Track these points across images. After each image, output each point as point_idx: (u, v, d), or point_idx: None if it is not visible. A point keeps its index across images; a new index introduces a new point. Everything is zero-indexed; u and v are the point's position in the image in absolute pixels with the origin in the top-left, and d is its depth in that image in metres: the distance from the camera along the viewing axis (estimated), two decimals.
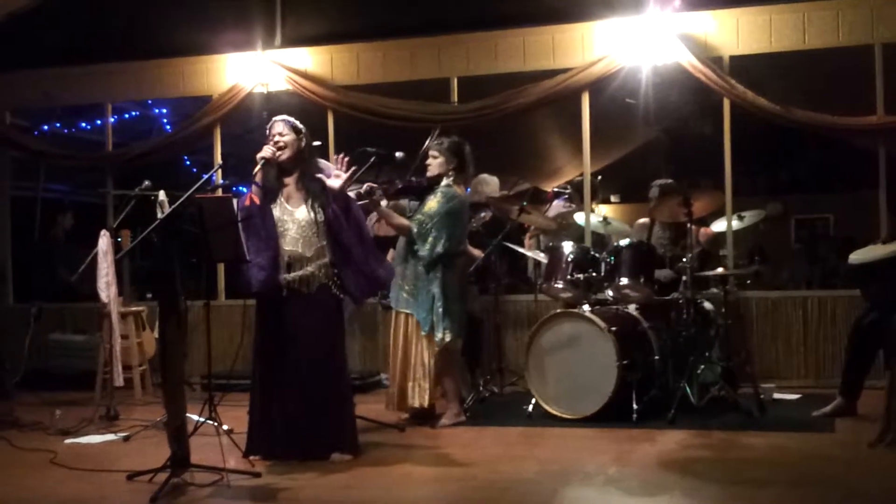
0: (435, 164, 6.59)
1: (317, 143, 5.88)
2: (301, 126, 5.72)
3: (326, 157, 8.27)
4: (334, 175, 5.67)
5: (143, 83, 9.51)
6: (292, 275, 5.57)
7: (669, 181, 7.81)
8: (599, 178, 8.99)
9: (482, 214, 7.72)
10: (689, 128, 10.78)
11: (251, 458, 5.54)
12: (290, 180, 5.68)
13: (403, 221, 6.51)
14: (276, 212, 5.62)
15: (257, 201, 5.54)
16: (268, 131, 5.71)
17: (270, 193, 5.63)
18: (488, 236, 7.50)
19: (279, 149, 5.60)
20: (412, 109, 8.66)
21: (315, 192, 5.64)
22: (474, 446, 6.02)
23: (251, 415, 5.67)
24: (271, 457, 5.53)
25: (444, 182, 6.56)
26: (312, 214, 5.62)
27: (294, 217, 5.61)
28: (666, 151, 12.21)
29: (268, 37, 9.03)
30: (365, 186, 6.30)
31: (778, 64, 8.21)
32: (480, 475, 5.23)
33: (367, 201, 6.26)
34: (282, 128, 5.66)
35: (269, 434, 5.57)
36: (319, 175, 5.73)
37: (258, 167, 5.55)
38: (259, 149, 5.62)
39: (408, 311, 6.51)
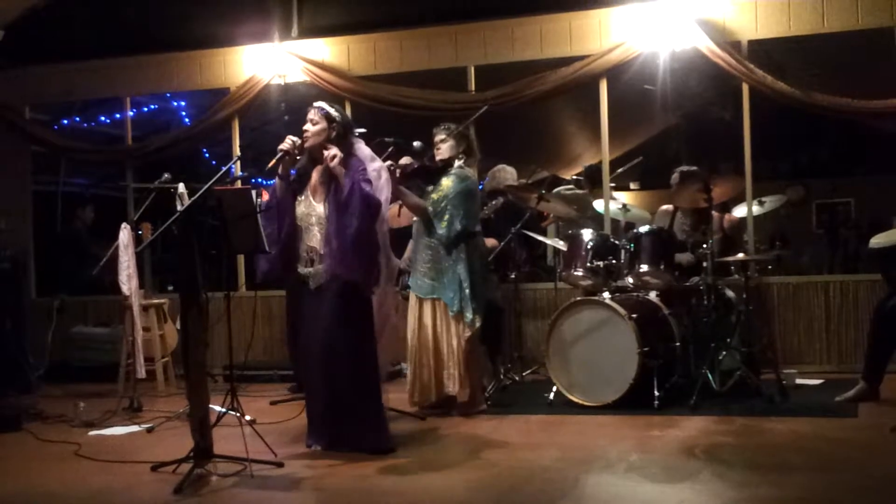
0: (445, 147, 6.58)
1: (360, 129, 5.80)
2: (336, 115, 5.53)
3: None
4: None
5: (161, 76, 9.55)
6: (306, 269, 5.53)
7: (692, 168, 7.76)
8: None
9: (493, 202, 7.70)
10: (708, 113, 10.71)
11: (312, 446, 5.62)
12: (316, 172, 5.56)
13: (419, 202, 6.50)
14: (302, 207, 5.54)
15: (277, 195, 5.51)
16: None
17: (300, 184, 5.56)
18: (502, 224, 7.47)
19: (304, 138, 5.48)
20: (430, 98, 8.65)
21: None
22: (495, 434, 6.03)
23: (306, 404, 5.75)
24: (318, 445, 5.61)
25: (456, 164, 6.57)
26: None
27: (317, 212, 5.51)
28: (685, 138, 12.15)
29: (284, 28, 9.03)
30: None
31: (797, 47, 8.15)
32: (502, 463, 5.24)
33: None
34: (313, 114, 5.51)
35: (313, 424, 5.64)
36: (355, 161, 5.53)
37: (274, 159, 5.45)
38: (277, 141, 5.56)
39: (434, 297, 6.49)
